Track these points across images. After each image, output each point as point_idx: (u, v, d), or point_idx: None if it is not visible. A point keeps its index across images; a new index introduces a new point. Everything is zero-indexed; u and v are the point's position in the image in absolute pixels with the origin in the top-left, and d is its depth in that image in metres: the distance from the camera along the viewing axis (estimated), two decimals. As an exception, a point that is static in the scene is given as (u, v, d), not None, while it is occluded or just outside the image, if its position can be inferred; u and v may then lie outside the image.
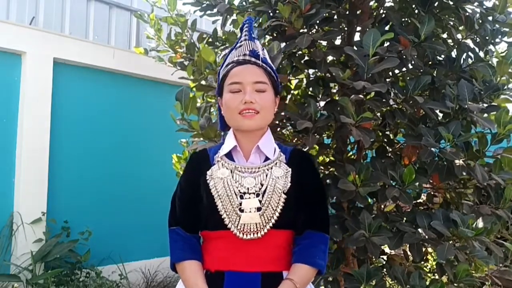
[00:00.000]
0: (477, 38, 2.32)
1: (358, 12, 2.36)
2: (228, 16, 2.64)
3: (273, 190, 1.39)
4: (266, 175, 1.42)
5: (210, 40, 2.81)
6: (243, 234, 1.38)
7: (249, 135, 1.47)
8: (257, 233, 1.38)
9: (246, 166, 1.45)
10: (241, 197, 1.39)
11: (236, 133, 1.50)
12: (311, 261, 1.40)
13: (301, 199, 1.45)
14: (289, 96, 2.45)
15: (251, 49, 1.47)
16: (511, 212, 2.13)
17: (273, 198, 1.39)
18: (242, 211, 1.38)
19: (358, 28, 2.38)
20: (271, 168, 1.44)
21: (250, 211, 1.37)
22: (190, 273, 1.41)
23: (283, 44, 2.19)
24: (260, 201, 1.38)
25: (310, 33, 2.12)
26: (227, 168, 1.44)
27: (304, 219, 1.45)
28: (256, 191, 1.39)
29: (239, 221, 1.38)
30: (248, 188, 1.40)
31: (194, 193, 1.47)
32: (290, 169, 1.45)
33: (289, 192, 1.41)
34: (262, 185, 1.40)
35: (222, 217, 1.39)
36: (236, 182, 1.41)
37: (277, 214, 1.38)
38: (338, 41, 2.38)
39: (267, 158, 1.47)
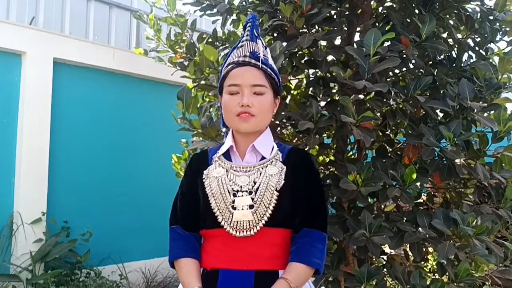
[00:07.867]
0: (478, 38, 2.32)
1: (359, 12, 2.36)
2: (228, 16, 2.64)
3: (265, 188, 1.39)
4: (260, 173, 1.42)
5: (210, 40, 2.81)
6: (236, 231, 1.38)
7: (247, 136, 1.47)
8: (249, 231, 1.38)
9: (242, 165, 1.46)
10: (234, 195, 1.39)
11: (234, 132, 1.51)
12: (307, 260, 1.38)
13: (297, 197, 1.43)
14: (289, 96, 2.45)
15: (251, 50, 1.46)
16: (512, 212, 2.13)
17: (266, 195, 1.38)
18: (234, 208, 1.38)
19: (359, 28, 2.38)
20: (266, 166, 1.44)
21: (242, 209, 1.37)
22: (185, 271, 1.42)
23: (283, 44, 2.19)
24: (252, 199, 1.38)
25: (311, 32, 2.12)
26: (223, 168, 1.46)
27: (301, 217, 1.43)
28: (249, 189, 1.39)
29: (232, 219, 1.38)
30: (241, 186, 1.40)
31: (193, 193, 1.49)
32: (284, 167, 1.44)
33: (283, 190, 1.40)
34: (255, 183, 1.40)
35: (216, 215, 1.40)
36: (230, 181, 1.42)
37: (269, 211, 1.38)
38: (338, 41, 2.38)
39: (263, 157, 1.47)
